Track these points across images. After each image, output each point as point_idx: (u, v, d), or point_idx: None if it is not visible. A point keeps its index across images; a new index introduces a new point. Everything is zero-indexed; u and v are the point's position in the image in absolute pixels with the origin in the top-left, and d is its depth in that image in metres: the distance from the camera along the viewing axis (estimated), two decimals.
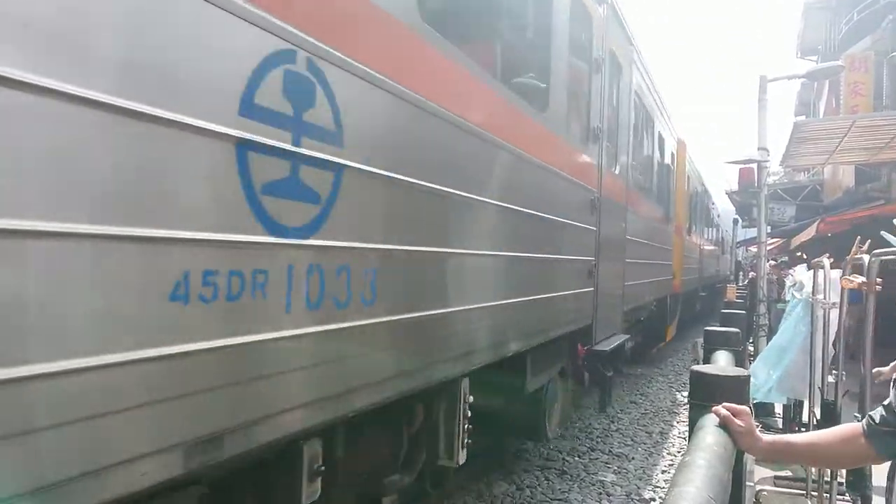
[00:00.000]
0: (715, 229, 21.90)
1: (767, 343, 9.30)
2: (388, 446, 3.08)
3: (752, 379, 5.25)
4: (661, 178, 10.01)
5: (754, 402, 5.59)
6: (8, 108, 1.16)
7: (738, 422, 1.94)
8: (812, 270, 5.07)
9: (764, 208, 9.87)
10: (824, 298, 4.69)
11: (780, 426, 7.04)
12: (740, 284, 22.16)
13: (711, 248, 20.30)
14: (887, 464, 2.09)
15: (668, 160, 10.44)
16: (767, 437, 1.96)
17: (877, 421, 1.75)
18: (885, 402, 1.74)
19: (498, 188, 3.35)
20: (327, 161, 1.99)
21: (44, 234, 1.21)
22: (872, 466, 3.57)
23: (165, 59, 1.46)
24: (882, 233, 3.28)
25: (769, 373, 5.29)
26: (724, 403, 2.01)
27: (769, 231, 14.22)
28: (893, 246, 3.61)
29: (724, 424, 1.96)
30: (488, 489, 5.16)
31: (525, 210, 3.74)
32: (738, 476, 1.99)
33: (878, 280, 3.70)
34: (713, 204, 20.92)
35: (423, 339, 2.67)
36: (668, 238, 10.29)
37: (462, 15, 3.44)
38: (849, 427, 1.86)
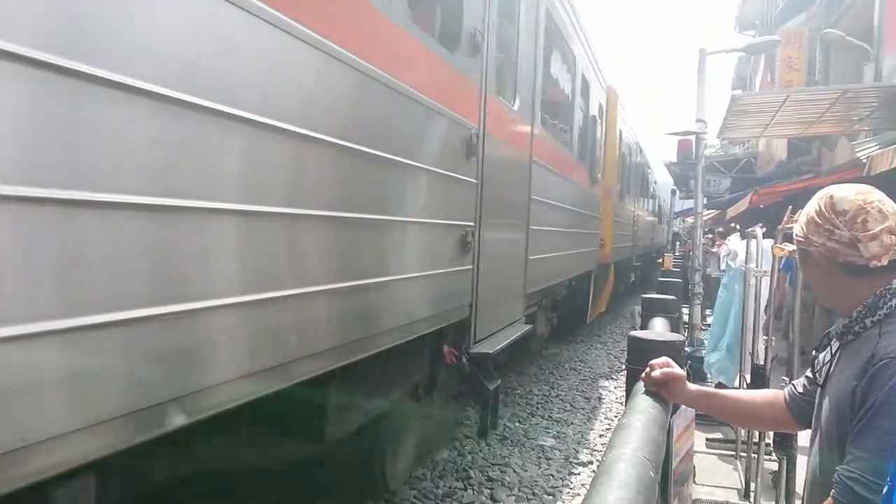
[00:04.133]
0: (652, 200, 22.22)
1: (701, 311, 9.62)
2: None
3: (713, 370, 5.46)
4: (586, 129, 8.44)
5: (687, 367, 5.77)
6: None
7: (670, 369, 1.95)
8: (746, 240, 5.22)
9: (701, 180, 10.06)
10: (757, 267, 4.84)
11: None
12: (677, 254, 22.73)
13: (649, 217, 20.57)
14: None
15: (594, 110, 8.91)
16: (695, 386, 1.99)
17: (799, 390, 1.78)
18: (808, 373, 1.76)
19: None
20: None
21: None
22: None
23: None
24: None
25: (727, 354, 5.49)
26: (657, 360, 2.00)
27: (705, 202, 14.57)
28: None
29: (654, 373, 1.96)
30: (430, 456, 5.19)
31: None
32: (672, 438, 2.03)
33: None
34: (650, 170, 20.65)
35: None
36: (596, 202, 9.32)
37: None
38: (774, 392, 1.91)
